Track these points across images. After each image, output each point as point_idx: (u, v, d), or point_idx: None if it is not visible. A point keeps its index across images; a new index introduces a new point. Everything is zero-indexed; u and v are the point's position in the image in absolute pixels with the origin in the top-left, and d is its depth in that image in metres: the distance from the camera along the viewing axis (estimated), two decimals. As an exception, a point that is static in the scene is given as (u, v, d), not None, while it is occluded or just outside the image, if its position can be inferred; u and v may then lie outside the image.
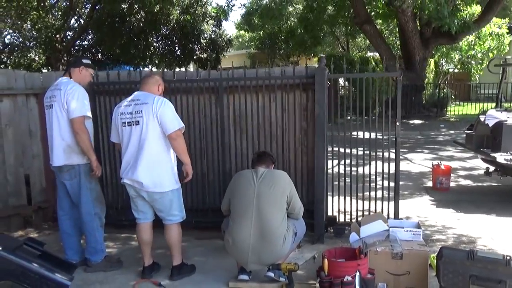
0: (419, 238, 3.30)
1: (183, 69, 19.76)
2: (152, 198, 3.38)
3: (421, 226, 3.51)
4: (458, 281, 2.73)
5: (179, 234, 3.52)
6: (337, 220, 4.62)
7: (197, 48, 18.77)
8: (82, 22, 18.44)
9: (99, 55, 20.21)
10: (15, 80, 4.76)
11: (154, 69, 17.93)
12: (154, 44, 18.33)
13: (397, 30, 17.32)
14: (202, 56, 18.72)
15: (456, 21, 12.78)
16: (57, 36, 17.27)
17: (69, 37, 18.55)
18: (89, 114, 3.53)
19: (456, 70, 20.80)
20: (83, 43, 19.99)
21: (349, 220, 4.55)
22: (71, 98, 3.44)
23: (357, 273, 2.85)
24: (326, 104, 4.24)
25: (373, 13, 16.52)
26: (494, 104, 15.40)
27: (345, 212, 4.62)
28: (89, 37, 19.77)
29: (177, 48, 18.72)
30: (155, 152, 3.32)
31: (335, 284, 2.83)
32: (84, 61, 3.68)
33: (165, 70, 4.59)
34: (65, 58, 18.33)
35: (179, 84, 4.46)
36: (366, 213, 4.47)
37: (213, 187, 4.59)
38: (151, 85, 3.47)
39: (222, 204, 3.56)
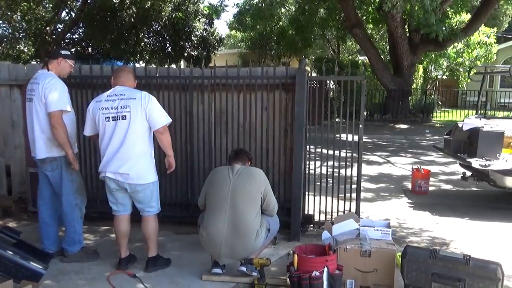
0: (388, 237, 3.40)
1: (173, 65, 19.83)
2: (135, 190, 3.45)
3: (396, 227, 3.61)
4: (421, 279, 2.84)
5: (156, 226, 3.59)
6: (314, 218, 4.72)
7: (188, 46, 18.81)
8: (73, 15, 18.36)
9: (89, 49, 20.13)
10: (-1, 70, 4.78)
11: (143, 65, 17.91)
12: (145, 40, 18.32)
13: (387, 35, 17.54)
14: (193, 53, 18.75)
15: (443, 28, 13.00)
16: (47, 28, 17.18)
17: (59, 30, 18.46)
18: (68, 108, 3.56)
19: (444, 77, 21.10)
20: (73, 36, 19.91)
21: (324, 219, 4.65)
22: (48, 92, 3.46)
23: (325, 269, 2.93)
24: (305, 104, 4.32)
25: (363, 18, 16.70)
26: (479, 111, 15.66)
27: (320, 211, 4.71)
28: (80, 30, 19.70)
29: (168, 45, 18.74)
30: (140, 146, 3.40)
31: (303, 279, 2.92)
32: (63, 52, 3.68)
33: (137, 65, 4.65)
34: (55, 51, 18.23)
35: (151, 80, 4.56)
36: (340, 212, 4.56)
37: (195, 183, 4.65)
38: (131, 80, 3.55)
39: (199, 199, 3.64)
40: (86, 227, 4.18)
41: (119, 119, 3.36)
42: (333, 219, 4.14)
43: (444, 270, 2.78)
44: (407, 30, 15.06)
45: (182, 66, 21.60)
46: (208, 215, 3.38)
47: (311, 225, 4.71)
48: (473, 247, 4.26)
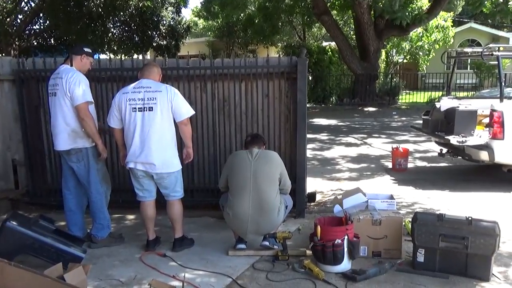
0: (393, 207, 3.81)
1: (140, 56, 19.58)
2: (161, 177, 3.67)
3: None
4: (430, 240, 3.25)
5: (181, 209, 3.83)
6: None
7: (156, 35, 18.66)
8: (32, 5, 17.79)
9: (52, 40, 19.58)
10: (2, 66, 4.81)
11: (111, 55, 17.69)
12: (112, 30, 18.02)
13: (352, 21, 18.10)
14: (161, 43, 18.63)
15: (407, 13, 13.61)
16: (8, 19, 16.60)
17: (19, 21, 17.88)
18: (91, 99, 3.73)
19: (405, 61, 22.01)
20: (34, 27, 19.32)
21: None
22: (73, 86, 3.60)
23: (346, 237, 3.30)
24: (306, 91, 4.64)
25: (329, 4, 17.14)
26: (440, 93, 16.53)
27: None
28: (41, 21, 19.12)
29: (135, 35, 18.51)
30: (166, 136, 3.61)
31: (327, 247, 3.26)
32: (86, 49, 3.85)
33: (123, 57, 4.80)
34: (16, 43, 17.67)
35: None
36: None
37: (202, 169, 4.90)
38: (156, 74, 3.74)
39: (220, 182, 3.91)
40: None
41: (146, 110, 3.55)
42: (338, 196, 4.51)
43: (450, 231, 3.21)
44: (372, 16, 15.63)
45: (148, 56, 21.42)
46: (232, 195, 3.66)
47: (313, 203, 5.08)
48: (458, 213, 4.74)
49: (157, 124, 3.56)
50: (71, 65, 3.75)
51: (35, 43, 19.32)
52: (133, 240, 4.09)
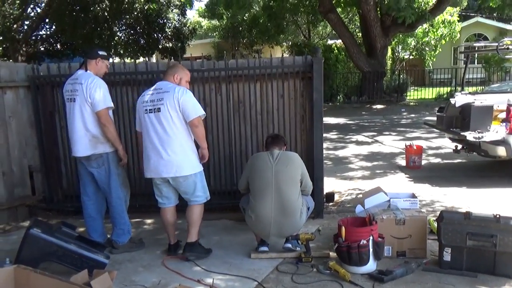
0: (416, 206, 3.77)
1: (146, 59, 19.62)
2: (177, 182, 3.60)
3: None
4: (457, 238, 3.20)
5: (201, 213, 3.76)
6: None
7: (161, 38, 18.67)
8: (39, 11, 17.87)
9: (58, 45, 19.64)
10: (17, 72, 4.81)
11: (118, 59, 17.71)
12: (118, 34, 18.06)
13: (357, 18, 17.99)
14: (167, 45, 18.64)
15: (411, 11, 13.51)
16: (15, 26, 16.68)
17: (26, 27, 17.95)
18: (112, 104, 3.71)
19: (411, 57, 21.88)
20: (41, 32, 19.39)
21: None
22: (94, 91, 3.57)
23: (371, 237, 3.26)
24: (323, 91, 4.61)
25: (333, 1, 17.05)
26: (448, 88, 16.41)
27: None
28: (47, 26, 19.19)
29: (141, 38, 18.53)
30: (177, 138, 3.51)
31: (352, 248, 3.23)
32: (100, 52, 3.81)
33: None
34: (24, 49, 17.74)
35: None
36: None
37: (218, 171, 4.87)
38: (169, 75, 3.68)
39: (240, 184, 3.87)
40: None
41: (155, 111, 3.50)
42: (358, 196, 4.46)
43: (477, 229, 3.16)
44: (379, 13, 15.54)
45: (154, 59, 21.44)
46: (254, 198, 3.62)
47: (331, 203, 5.04)
48: (480, 211, 4.69)
49: (166, 125, 3.48)
50: (86, 70, 3.73)
51: (42, 49, 19.40)
52: (154, 244, 4.07)
